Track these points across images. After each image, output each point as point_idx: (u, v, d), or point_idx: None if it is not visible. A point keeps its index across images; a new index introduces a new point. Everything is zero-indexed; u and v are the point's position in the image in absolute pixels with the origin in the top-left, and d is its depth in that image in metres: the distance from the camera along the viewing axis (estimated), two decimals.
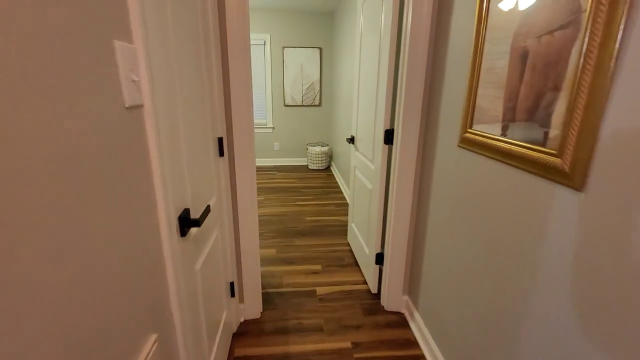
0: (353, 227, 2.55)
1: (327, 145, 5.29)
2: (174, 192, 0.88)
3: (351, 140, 2.45)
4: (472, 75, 1.16)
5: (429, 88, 1.57)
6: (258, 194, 3.96)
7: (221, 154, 1.46)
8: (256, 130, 5.27)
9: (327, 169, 5.24)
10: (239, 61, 1.45)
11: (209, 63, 1.29)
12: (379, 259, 1.97)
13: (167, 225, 0.81)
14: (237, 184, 1.61)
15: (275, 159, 5.45)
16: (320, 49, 4.98)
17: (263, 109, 5.18)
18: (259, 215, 3.31)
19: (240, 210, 1.65)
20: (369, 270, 2.10)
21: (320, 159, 5.09)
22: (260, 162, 5.43)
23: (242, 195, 1.63)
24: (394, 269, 1.86)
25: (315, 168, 5.17)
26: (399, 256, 1.84)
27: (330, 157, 5.40)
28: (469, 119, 1.19)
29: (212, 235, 1.33)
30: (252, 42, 4.87)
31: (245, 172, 1.60)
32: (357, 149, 2.36)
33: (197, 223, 0.97)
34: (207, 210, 1.05)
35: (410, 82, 1.55)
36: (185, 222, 0.95)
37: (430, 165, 1.57)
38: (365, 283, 2.19)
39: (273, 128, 5.28)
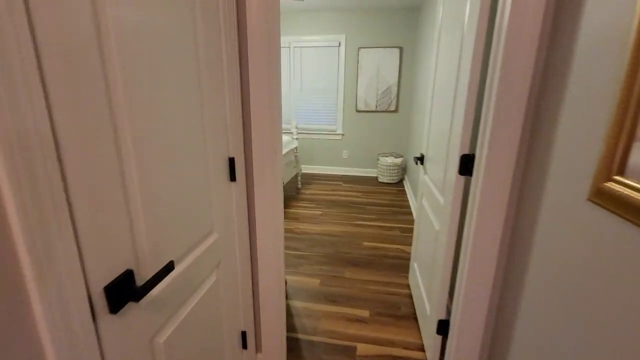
0: (415, 268, 2.03)
1: (401, 157, 4.72)
2: (96, 254, 0.59)
3: (420, 159, 1.95)
4: (629, 79, 0.61)
5: (534, 102, 1.02)
6: (317, 207, 3.66)
7: (232, 178, 1.16)
8: (324, 137, 5.00)
9: (399, 183, 4.67)
10: (261, 64, 1.13)
11: (216, 67, 1.00)
12: (443, 328, 1.45)
13: (57, 311, 0.52)
14: (255, 214, 1.29)
15: (342, 167, 5.10)
16: (401, 48, 4.45)
17: (333, 114, 4.88)
18: (311, 233, 2.99)
19: (259, 246, 1.34)
20: (429, 335, 1.58)
21: (392, 171, 4.56)
22: (326, 169, 5.15)
23: (262, 227, 1.31)
24: (463, 349, 1.33)
25: (385, 181, 4.66)
26: (471, 334, 1.30)
27: (404, 170, 4.82)
28: (616, 158, 0.64)
29: (204, 285, 1.03)
30: (325, 44, 4.61)
31: (267, 199, 1.28)
32: (426, 172, 1.85)
33: (135, 295, 0.66)
34: (167, 268, 0.75)
35: (504, 92, 1.02)
36: (123, 293, 0.66)
37: (530, 218, 1.02)
38: (423, 350, 1.67)
39: (342, 135, 4.94)
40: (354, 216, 3.42)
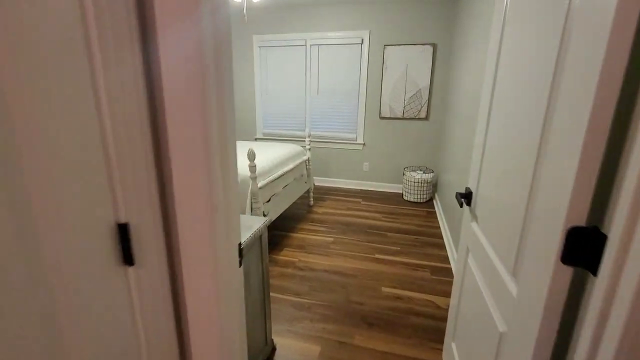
0: (453, 351, 1.43)
1: (432, 172, 4.06)
2: None
3: (465, 197, 1.34)
4: None
5: None
6: (328, 232, 3.09)
7: (128, 260, 0.63)
8: (342, 146, 4.42)
9: (429, 202, 4.01)
10: (177, 49, 0.59)
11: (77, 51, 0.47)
12: None
13: None
14: (188, 316, 0.75)
15: (362, 181, 4.50)
16: (434, 45, 3.80)
17: (353, 121, 4.30)
18: (318, 270, 2.43)
19: None
20: None
21: (420, 188, 3.91)
22: (344, 183, 4.57)
23: (201, 338, 0.77)
24: None
25: (412, 200, 4.01)
26: None
27: (434, 187, 4.16)
28: None
29: None
30: (346, 41, 4.05)
31: (206, 288, 0.73)
32: (475, 219, 1.25)
33: None
34: None
35: None
36: None
37: None
38: None
39: (363, 145, 4.34)
40: (372, 247, 2.82)
